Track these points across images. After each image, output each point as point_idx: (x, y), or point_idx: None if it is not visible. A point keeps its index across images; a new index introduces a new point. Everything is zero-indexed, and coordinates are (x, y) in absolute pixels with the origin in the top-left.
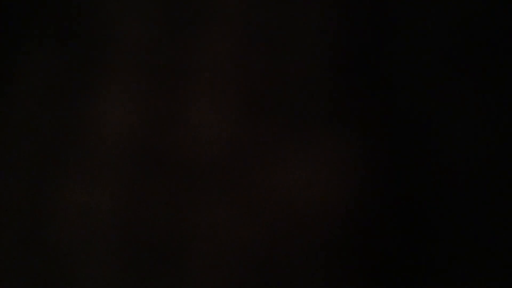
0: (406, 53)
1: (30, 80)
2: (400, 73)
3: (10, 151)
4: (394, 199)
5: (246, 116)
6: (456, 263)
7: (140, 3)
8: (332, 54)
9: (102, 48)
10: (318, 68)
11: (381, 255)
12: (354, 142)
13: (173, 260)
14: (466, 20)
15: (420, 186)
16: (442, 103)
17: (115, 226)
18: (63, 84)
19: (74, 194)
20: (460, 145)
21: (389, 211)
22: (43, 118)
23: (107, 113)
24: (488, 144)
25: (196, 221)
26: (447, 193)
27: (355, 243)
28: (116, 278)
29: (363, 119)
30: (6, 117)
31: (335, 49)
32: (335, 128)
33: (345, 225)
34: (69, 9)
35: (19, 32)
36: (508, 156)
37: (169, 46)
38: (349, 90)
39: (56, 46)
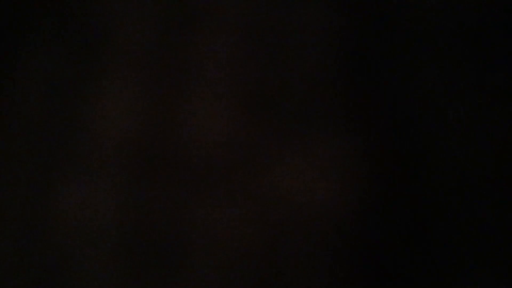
0: (407, 53)
1: (30, 80)
2: (401, 73)
3: (10, 151)
4: (397, 200)
5: (246, 116)
6: (458, 264)
7: (140, 3)
8: (333, 54)
9: (102, 48)
10: (319, 68)
11: (383, 255)
12: (356, 142)
13: (173, 260)
14: (467, 20)
15: (422, 187)
16: (444, 104)
17: (115, 226)
18: (63, 84)
19: (74, 194)
20: (462, 145)
21: (392, 211)
22: (43, 118)
23: (107, 113)
24: (491, 145)
25: (196, 221)
26: (449, 194)
27: (356, 243)
28: (116, 278)
29: (365, 119)
30: (6, 117)
31: (336, 49)
32: (336, 128)
33: (346, 226)
34: (69, 9)
35: (19, 32)
36: (511, 157)
37: (169, 46)
38: (351, 90)
39: (55, 46)
